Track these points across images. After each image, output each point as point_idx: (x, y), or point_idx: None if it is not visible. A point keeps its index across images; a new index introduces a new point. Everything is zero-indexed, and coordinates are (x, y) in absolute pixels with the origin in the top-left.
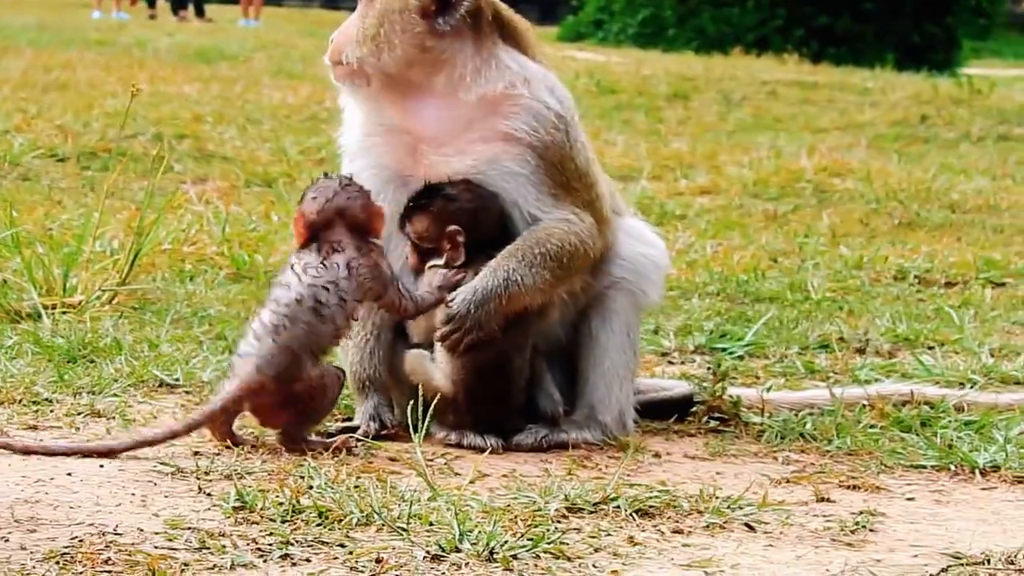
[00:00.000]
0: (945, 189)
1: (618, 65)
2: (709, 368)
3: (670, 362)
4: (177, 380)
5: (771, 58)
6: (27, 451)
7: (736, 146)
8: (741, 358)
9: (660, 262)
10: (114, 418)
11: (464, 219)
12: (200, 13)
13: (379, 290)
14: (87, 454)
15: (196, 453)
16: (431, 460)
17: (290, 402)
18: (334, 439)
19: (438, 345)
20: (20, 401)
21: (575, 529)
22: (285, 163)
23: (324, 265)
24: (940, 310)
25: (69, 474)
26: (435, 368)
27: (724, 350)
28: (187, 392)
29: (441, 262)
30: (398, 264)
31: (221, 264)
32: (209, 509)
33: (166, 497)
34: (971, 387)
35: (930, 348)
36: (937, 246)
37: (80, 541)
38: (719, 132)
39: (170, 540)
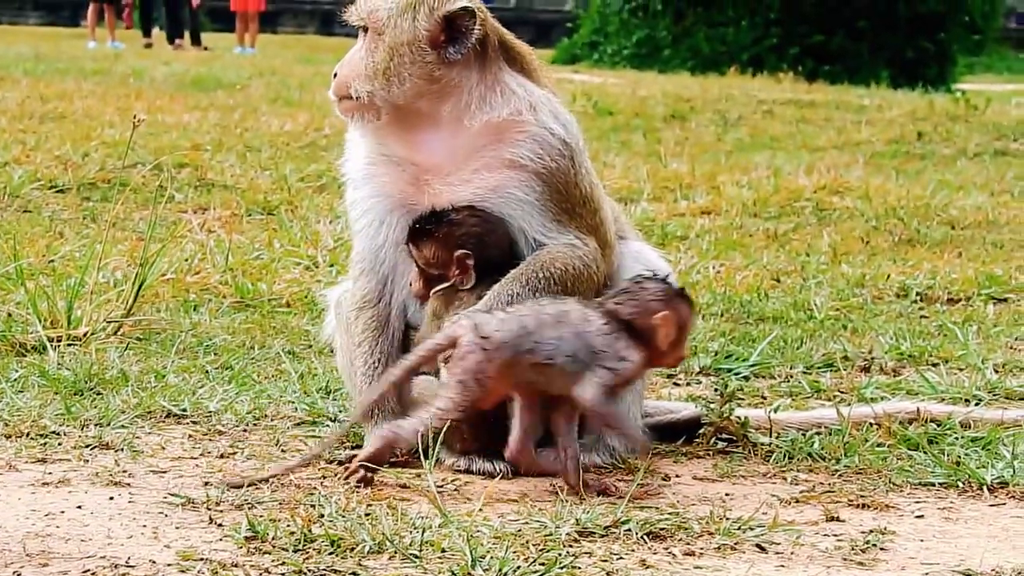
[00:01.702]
0: (944, 205)
1: (614, 86)
2: (715, 389)
3: (676, 384)
4: (184, 411)
5: (766, 77)
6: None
7: (735, 166)
8: (747, 378)
9: None
10: (122, 450)
11: (471, 243)
12: (196, 41)
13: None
14: None
15: (206, 483)
16: (441, 486)
17: None
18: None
19: (443, 370)
20: (28, 434)
21: (587, 553)
22: (286, 191)
23: None
24: (943, 327)
25: (79, 507)
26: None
27: (729, 371)
28: (194, 422)
29: (447, 287)
30: (405, 290)
31: (225, 293)
32: (221, 540)
33: (177, 528)
34: (977, 404)
35: (934, 365)
36: (938, 263)
37: (92, 574)
38: (717, 152)
39: (183, 572)
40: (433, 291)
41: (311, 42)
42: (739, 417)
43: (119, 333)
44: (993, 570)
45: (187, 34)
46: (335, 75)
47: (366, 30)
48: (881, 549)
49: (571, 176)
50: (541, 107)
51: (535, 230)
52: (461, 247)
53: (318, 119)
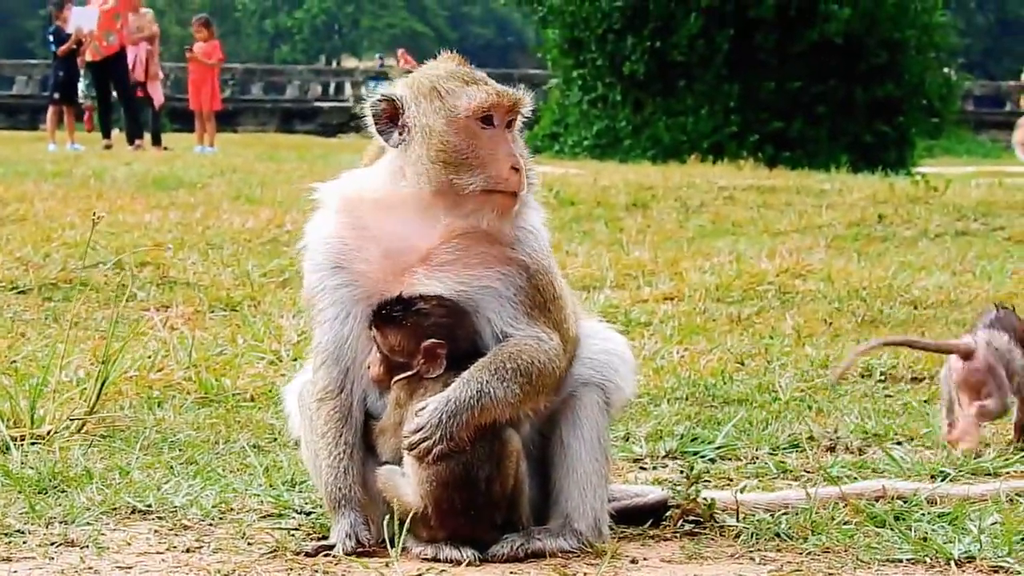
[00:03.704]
0: (906, 286)
1: (576, 177)
2: (682, 472)
3: (642, 468)
4: (150, 506)
5: (727, 164)
6: None
7: (697, 252)
8: (713, 461)
9: (624, 355)
10: (88, 547)
11: (439, 334)
12: (156, 142)
13: None
14: None
15: None
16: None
17: None
18: None
19: (407, 459)
20: None
21: None
22: (249, 287)
23: None
24: (908, 405)
25: None
26: (406, 483)
27: (695, 453)
28: (160, 518)
29: (410, 375)
30: (365, 378)
31: (189, 389)
32: None
33: None
34: (943, 479)
35: (899, 443)
36: None
37: None
38: (679, 239)
39: None
40: (395, 379)
41: (272, 140)
42: (706, 499)
43: (83, 431)
44: None
45: (148, 134)
46: (516, 169)
47: (513, 122)
48: None
49: (549, 275)
50: (531, 204)
51: (504, 322)
52: (429, 337)
53: (280, 215)
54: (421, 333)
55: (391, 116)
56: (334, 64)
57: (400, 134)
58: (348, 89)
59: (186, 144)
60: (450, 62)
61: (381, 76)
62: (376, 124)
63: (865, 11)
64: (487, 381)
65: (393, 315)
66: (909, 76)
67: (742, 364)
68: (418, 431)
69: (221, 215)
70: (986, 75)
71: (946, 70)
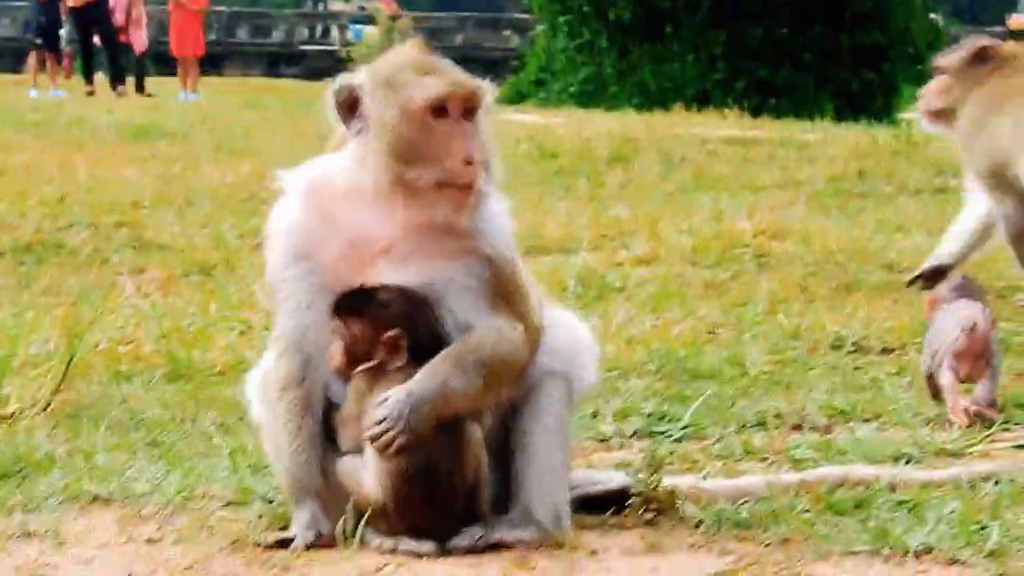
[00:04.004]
0: (882, 248)
1: (559, 127)
2: (645, 456)
3: (609, 448)
4: (111, 493)
5: (712, 113)
6: None
7: (677, 209)
8: (679, 440)
9: (588, 344)
10: (47, 538)
11: (401, 325)
12: (140, 88)
13: None
14: None
15: (129, 575)
16: (371, 569)
17: None
18: None
19: (368, 450)
20: None
21: None
22: (224, 249)
23: None
24: (876, 380)
25: None
26: (366, 474)
27: (662, 433)
28: (122, 506)
29: (371, 366)
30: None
31: (158, 363)
32: None
33: None
34: (905, 462)
35: (866, 420)
36: (875, 309)
37: None
38: (660, 193)
39: None
40: (356, 370)
41: (257, 84)
42: (667, 487)
43: (48, 410)
44: None
45: (132, 80)
46: (470, 162)
47: (472, 112)
48: None
49: (511, 266)
50: (495, 193)
51: (467, 312)
52: (391, 328)
53: (259, 169)
54: (382, 324)
55: (352, 105)
56: (320, 8)
57: (360, 123)
58: (335, 33)
59: (170, 89)
60: (412, 50)
61: (363, 20)
62: (338, 112)
63: None
64: (449, 373)
65: (355, 305)
66: (895, 23)
67: (714, 334)
68: (379, 423)
69: (201, 169)
70: (974, 21)
71: (932, 16)
